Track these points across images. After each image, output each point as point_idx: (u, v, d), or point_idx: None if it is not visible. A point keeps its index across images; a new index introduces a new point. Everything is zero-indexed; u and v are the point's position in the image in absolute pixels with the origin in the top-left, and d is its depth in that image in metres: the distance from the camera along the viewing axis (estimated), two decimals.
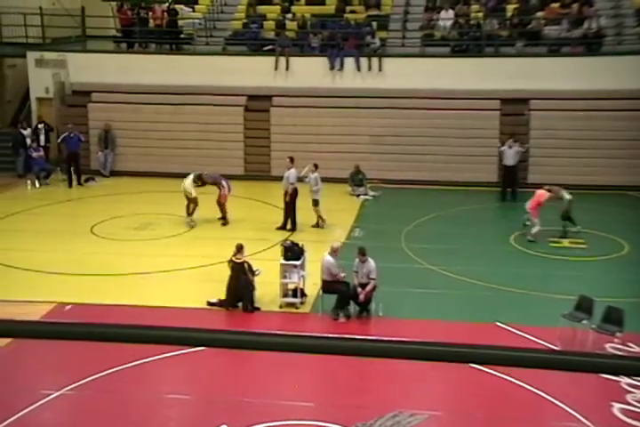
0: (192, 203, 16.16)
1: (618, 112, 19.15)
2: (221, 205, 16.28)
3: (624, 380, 9.33)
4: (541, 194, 15.13)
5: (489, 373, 9.35)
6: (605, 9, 20.87)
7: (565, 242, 15.21)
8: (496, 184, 18.91)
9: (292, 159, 16.00)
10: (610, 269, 13.74)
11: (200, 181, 16.32)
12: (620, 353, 10.01)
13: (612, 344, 10.32)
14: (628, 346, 10.35)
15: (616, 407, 8.92)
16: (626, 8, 20.94)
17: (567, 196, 15.31)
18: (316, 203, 15.93)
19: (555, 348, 10.07)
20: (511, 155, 18.43)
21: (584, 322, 10.49)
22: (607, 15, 20.53)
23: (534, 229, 15.00)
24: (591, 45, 20.07)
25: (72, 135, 19.72)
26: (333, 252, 11.74)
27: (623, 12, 20.83)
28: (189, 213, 16.24)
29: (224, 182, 16.23)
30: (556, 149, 19.25)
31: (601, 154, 19.18)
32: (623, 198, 18.37)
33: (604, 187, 18.76)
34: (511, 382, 9.36)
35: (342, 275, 11.63)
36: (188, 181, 16.19)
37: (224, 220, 16.34)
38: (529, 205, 15.15)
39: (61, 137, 19.83)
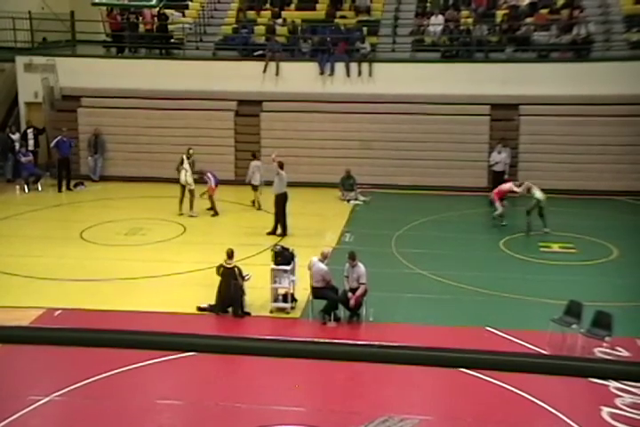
0: (190, 195, 17.14)
1: (607, 117, 19.28)
2: (210, 197, 17.25)
3: (613, 384, 9.36)
4: (505, 184, 16.18)
5: (479, 377, 9.36)
6: (594, 15, 21.03)
7: (555, 246, 15.29)
8: (486, 189, 18.99)
9: (280, 165, 15.98)
10: (599, 274, 13.80)
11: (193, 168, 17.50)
12: (608, 358, 10.05)
13: (601, 349, 10.36)
14: (616, 350, 10.39)
15: (605, 411, 8.95)
16: (614, 14, 21.11)
17: (538, 194, 15.67)
18: (255, 188, 17.56)
19: (544, 352, 10.10)
20: (500, 160, 18.55)
21: (573, 326, 10.53)
22: (596, 21, 20.68)
23: (498, 211, 16.06)
24: (580, 51, 20.22)
25: (65, 140, 19.65)
26: (324, 258, 11.74)
27: (612, 18, 21.00)
28: (191, 207, 17.19)
29: (209, 175, 17.23)
30: (546, 154, 19.36)
31: (590, 159, 19.30)
32: (612, 203, 18.47)
33: (594, 192, 18.87)
34: (501, 386, 9.37)
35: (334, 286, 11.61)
36: (189, 173, 17.18)
37: (213, 211, 17.30)
38: (493, 193, 16.27)
39: (55, 141, 19.71)
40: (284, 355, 1.86)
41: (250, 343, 1.86)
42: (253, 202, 17.84)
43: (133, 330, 1.91)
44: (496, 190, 16.27)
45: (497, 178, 18.71)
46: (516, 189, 16.08)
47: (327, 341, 1.84)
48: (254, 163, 17.74)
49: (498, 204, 16.11)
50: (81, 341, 1.91)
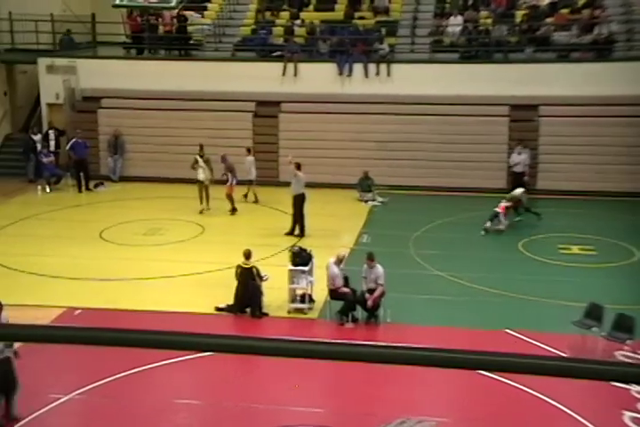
0: (206, 191, 17.53)
1: (628, 118, 19.06)
2: (229, 196, 17.46)
3: (634, 388, 9.26)
4: (502, 207, 16.25)
5: (498, 380, 9.30)
6: (616, 15, 20.82)
7: (575, 248, 15.16)
8: (505, 190, 18.85)
9: (298, 166, 16.02)
10: (620, 276, 13.65)
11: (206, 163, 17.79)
12: (630, 361, 9.94)
13: (623, 352, 10.25)
14: (638, 354, 10.27)
15: (627, 416, 8.85)
16: (636, 14, 20.87)
17: (519, 190, 16.75)
18: (251, 182, 18.25)
19: (564, 355, 10.00)
20: (520, 161, 18.41)
21: (594, 329, 10.43)
22: (618, 21, 20.47)
23: (492, 224, 16.09)
24: (601, 51, 20.01)
25: (80, 141, 19.84)
26: (339, 261, 11.69)
27: (634, 17, 20.77)
28: (207, 202, 17.62)
29: (230, 175, 17.53)
30: (566, 155, 19.19)
31: (610, 160, 19.09)
32: (633, 205, 18.25)
33: (614, 193, 18.67)
34: (520, 389, 9.30)
35: (347, 290, 11.53)
36: (207, 170, 17.62)
37: (234, 210, 17.56)
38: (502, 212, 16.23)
39: (70, 143, 19.90)
40: (302, 355, 1.86)
41: (267, 344, 1.86)
42: (246, 195, 18.32)
43: (152, 330, 1.92)
44: (502, 208, 16.21)
45: (517, 179, 18.57)
46: (509, 204, 16.30)
47: (345, 342, 1.83)
48: (249, 158, 18.27)
49: (502, 216, 16.07)
50: (100, 340, 1.92)
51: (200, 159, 17.75)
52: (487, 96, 19.43)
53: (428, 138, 19.68)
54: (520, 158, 18.71)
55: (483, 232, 16.04)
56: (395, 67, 20.19)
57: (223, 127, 20.46)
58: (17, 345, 8.67)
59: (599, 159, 19.13)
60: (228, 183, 17.44)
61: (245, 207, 17.95)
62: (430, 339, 10.49)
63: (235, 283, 11.75)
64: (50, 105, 21.63)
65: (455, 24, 21.24)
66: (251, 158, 18.43)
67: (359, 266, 11.80)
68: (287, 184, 16.58)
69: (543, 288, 12.90)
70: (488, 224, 16.12)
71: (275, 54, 21.09)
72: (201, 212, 17.53)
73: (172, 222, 16.89)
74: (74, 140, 19.84)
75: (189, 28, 22.57)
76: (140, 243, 15.50)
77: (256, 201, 18.36)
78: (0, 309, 8.81)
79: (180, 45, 22.22)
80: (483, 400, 9.27)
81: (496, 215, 16.14)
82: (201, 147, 18.06)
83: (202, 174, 17.63)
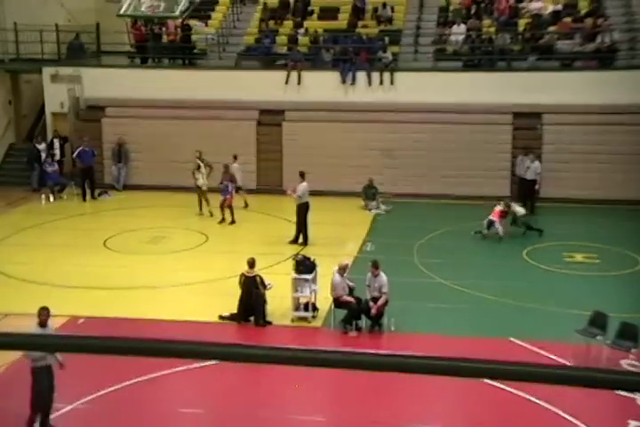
0: (204, 196, 17.88)
1: (631, 126, 19.08)
2: (229, 206, 17.44)
3: None
4: (496, 211, 16.29)
5: (502, 388, 9.26)
6: (618, 23, 20.87)
7: (579, 257, 15.13)
8: (508, 198, 18.82)
9: (302, 174, 16.04)
10: (624, 285, 13.62)
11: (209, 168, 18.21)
12: (635, 370, 9.89)
13: (627, 360, 10.21)
14: None
15: (632, 425, 8.80)
16: (639, 22, 20.91)
17: (521, 210, 16.58)
18: (239, 189, 18.20)
19: (569, 364, 9.96)
20: (533, 169, 18.39)
21: (598, 338, 10.39)
22: (620, 29, 20.52)
23: (489, 231, 16.09)
24: (604, 60, 20.05)
25: (87, 149, 19.91)
26: (341, 270, 11.67)
27: (636, 26, 20.82)
28: (208, 208, 17.88)
29: (230, 185, 17.52)
30: (570, 164, 19.19)
31: (614, 168, 19.09)
32: (637, 213, 18.23)
33: (618, 201, 18.66)
34: (525, 397, 9.26)
35: (348, 299, 11.50)
36: (205, 176, 17.96)
37: (232, 219, 17.48)
38: (495, 218, 16.28)
39: (77, 151, 19.97)
40: (305, 364, 1.86)
41: (270, 352, 1.86)
42: (246, 205, 18.41)
43: (155, 338, 1.92)
44: (496, 213, 16.29)
45: (525, 186, 18.44)
46: (503, 208, 16.35)
47: (348, 350, 1.83)
48: (235, 165, 18.25)
49: (498, 224, 16.09)
50: (103, 349, 1.93)
51: (202, 164, 17.93)
52: (490, 104, 19.47)
53: (431, 146, 19.70)
54: (533, 166, 18.55)
55: (473, 232, 16.26)
56: (398, 75, 20.25)
57: (227, 136, 20.51)
58: (60, 357, 8.60)
59: (602, 167, 19.13)
60: (228, 193, 17.45)
61: (248, 216, 17.96)
62: (434, 347, 10.46)
63: (238, 291, 11.75)
64: (54, 114, 21.74)
65: (458, 33, 21.31)
66: (237, 165, 18.48)
67: (363, 274, 11.79)
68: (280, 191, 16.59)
69: (547, 296, 12.87)
70: (485, 231, 16.18)
71: (278, 63, 21.18)
72: (199, 214, 17.94)
73: (176, 231, 16.91)
74: (80, 148, 19.90)
75: (193, 37, 22.68)
76: (144, 251, 15.51)
77: (244, 206, 18.36)
78: (47, 316, 8.70)
79: (184, 54, 22.33)
80: (487, 409, 9.24)
81: (491, 223, 16.15)
82: (200, 153, 18.23)
83: (201, 180, 17.89)
